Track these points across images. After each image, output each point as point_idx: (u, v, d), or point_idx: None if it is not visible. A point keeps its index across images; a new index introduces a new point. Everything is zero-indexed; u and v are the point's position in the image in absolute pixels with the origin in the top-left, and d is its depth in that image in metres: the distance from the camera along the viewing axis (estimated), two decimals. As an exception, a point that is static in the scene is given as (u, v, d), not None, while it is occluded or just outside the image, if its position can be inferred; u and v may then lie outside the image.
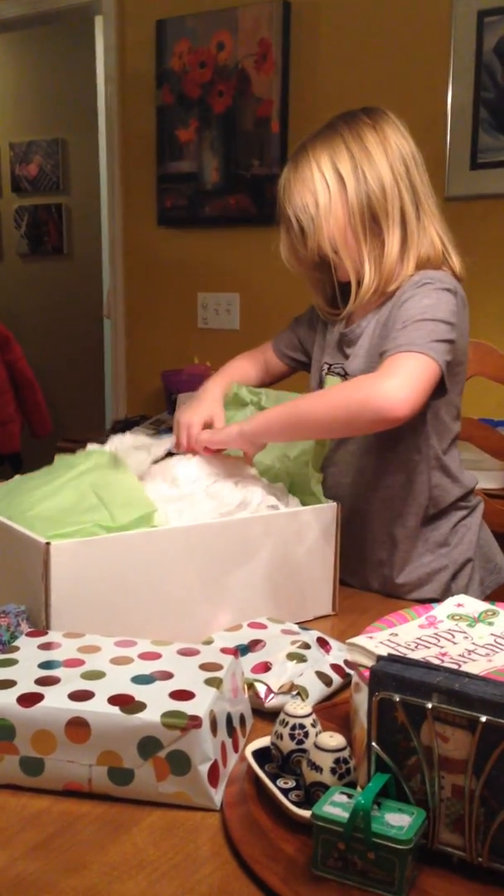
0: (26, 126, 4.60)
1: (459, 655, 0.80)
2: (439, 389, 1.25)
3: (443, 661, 0.78)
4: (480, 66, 2.45)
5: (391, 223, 1.29)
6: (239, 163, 2.87)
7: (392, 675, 0.68)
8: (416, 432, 1.32)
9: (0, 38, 4.28)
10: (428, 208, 1.32)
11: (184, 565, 1.09)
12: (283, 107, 2.77)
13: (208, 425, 1.33)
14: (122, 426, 2.98)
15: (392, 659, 0.71)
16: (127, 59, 3.13)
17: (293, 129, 2.79)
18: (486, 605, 0.91)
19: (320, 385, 1.44)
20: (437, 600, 1.32)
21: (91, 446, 1.32)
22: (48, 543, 0.97)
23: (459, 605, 0.91)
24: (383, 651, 0.79)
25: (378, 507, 1.38)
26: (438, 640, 0.83)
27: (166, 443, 1.30)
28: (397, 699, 0.68)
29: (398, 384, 1.15)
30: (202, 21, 2.87)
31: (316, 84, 2.74)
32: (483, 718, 0.64)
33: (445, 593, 1.36)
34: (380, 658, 0.72)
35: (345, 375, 1.37)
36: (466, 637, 0.84)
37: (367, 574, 1.40)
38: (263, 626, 1.09)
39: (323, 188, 1.28)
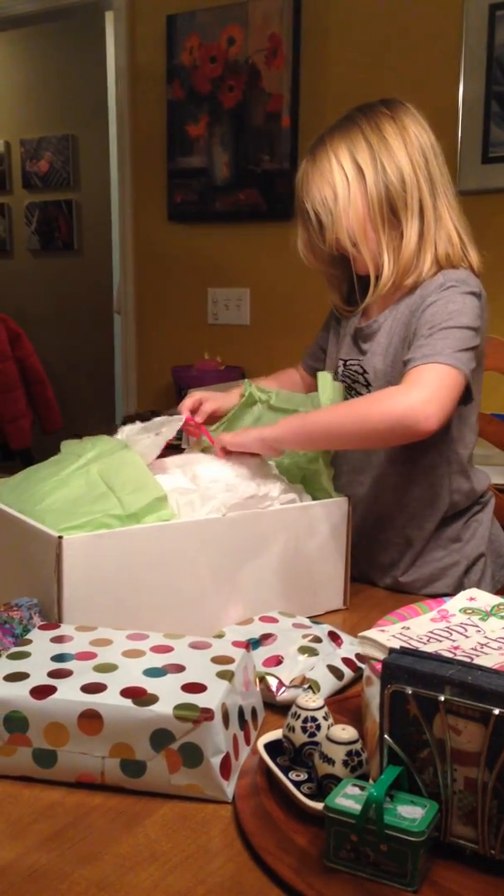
0: (37, 122, 4.60)
1: (472, 649, 0.79)
2: (465, 397, 1.24)
3: (455, 654, 0.78)
4: (492, 60, 2.44)
5: (410, 215, 1.27)
6: (249, 158, 2.86)
7: (404, 667, 0.68)
8: (443, 441, 1.31)
9: (10, 34, 4.29)
10: (446, 200, 1.30)
11: (196, 559, 1.10)
12: (293, 102, 2.76)
13: (216, 415, 1.33)
14: (133, 421, 2.99)
15: (404, 652, 0.71)
16: (137, 55, 3.13)
17: (304, 124, 2.78)
18: (498, 599, 0.91)
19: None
20: (449, 595, 1.33)
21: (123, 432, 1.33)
22: (60, 537, 0.98)
23: (471, 598, 0.91)
24: (395, 644, 0.79)
25: (397, 513, 1.36)
26: (451, 634, 0.83)
27: (176, 424, 1.29)
28: (410, 692, 0.68)
29: (426, 398, 1.14)
30: (212, 16, 2.86)
31: (326, 79, 2.73)
32: (496, 711, 0.64)
33: (458, 589, 1.35)
34: (392, 651, 0.72)
35: (363, 372, 1.36)
36: (479, 631, 0.84)
37: (376, 575, 1.40)
38: (275, 620, 1.09)
39: (342, 180, 1.27)
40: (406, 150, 1.27)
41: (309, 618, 1.14)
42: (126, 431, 1.30)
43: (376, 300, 1.35)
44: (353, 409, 1.21)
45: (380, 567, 1.39)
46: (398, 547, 1.37)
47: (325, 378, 1.30)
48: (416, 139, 1.28)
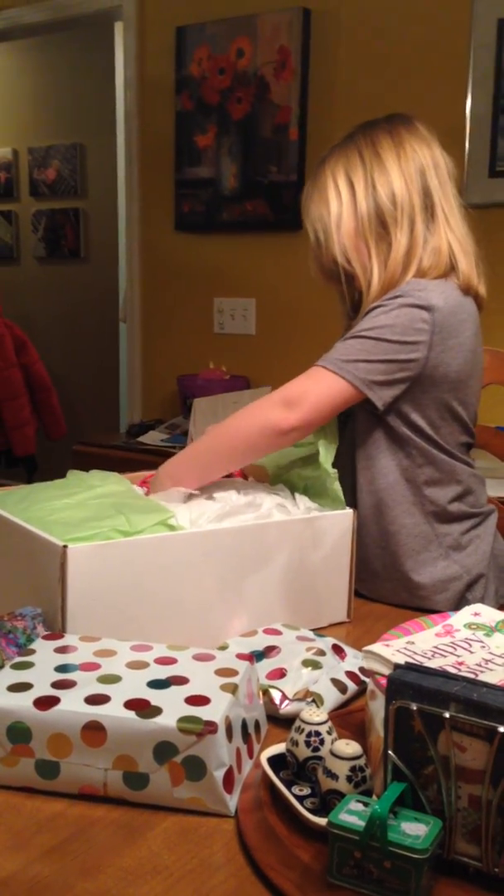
0: (45, 131, 4.62)
1: (476, 665, 0.79)
2: (370, 404, 1.27)
3: (460, 670, 0.77)
4: (500, 73, 2.45)
5: (398, 230, 1.30)
6: (257, 169, 2.87)
7: (410, 683, 0.68)
8: (401, 440, 1.33)
9: (21, 42, 4.31)
10: (441, 215, 1.32)
11: (200, 570, 1.09)
12: (301, 114, 2.77)
13: None
14: (138, 430, 2.99)
15: (410, 667, 0.71)
16: (146, 65, 3.14)
17: (311, 136, 2.79)
18: (503, 615, 0.90)
19: None
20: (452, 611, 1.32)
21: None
22: (65, 546, 0.98)
23: (476, 613, 0.91)
24: (400, 659, 0.79)
25: (372, 511, 1.37)
26: (455, 649, 0.83)
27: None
28: (415, 708, 0.67)
29: (286, 398, 1.22)
30: (222, 28, 2.88)
31: (335, 92, 2.74)
32: (501, 729, 0.64)
33: (459, 604, 1.35)
34: (397, 666, 0.72)
35: None
36: (483, 646, 0.84)
37: (377, 582, 1.39)
38: (278, 633, 1.09)
39: (335, 198, 1.32)
40: (400, 166, 1.30)
41: (312, 630, 1.14)
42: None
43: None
44: (228, 422, 1.27)
45: (375, 570, 1.38)
46: (385, 550, 1.36)
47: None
48: (413, 154, 1.30)
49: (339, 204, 1.31)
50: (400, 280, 1.31)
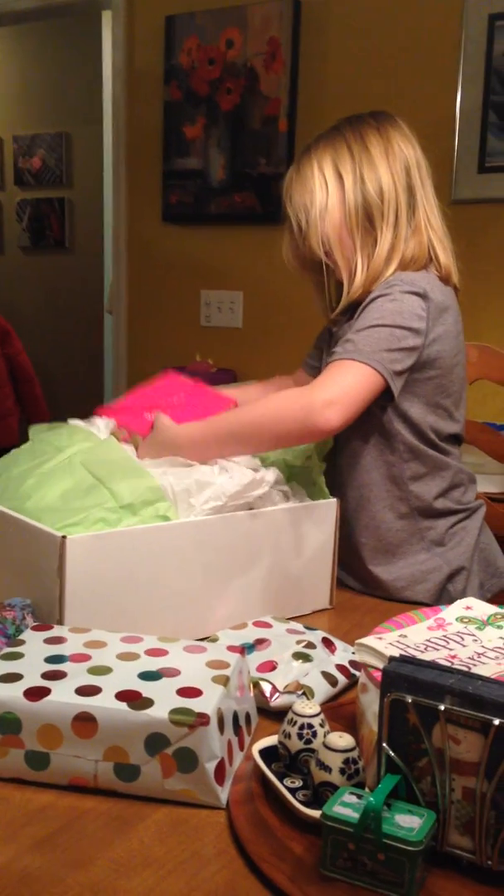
0: (30, 119, 4.59)
1: (469, 658, 0.79)
2: (386, 395, 1.26)
3: (452, 663, 0.77)
4: (490, 69, 2.45)
5: (385, 224, 1.31)
6: (246, 161, 2.86)
7: (405, 675, 0.68)
8: (384, 429, 1.34)
9: (7, 30, 4.27)
10: (423, 214, 1.34)
11: (193, 558, 1.10)
12: (291, 106, 2.76)
13: None
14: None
15: (404, 660, 0.71)
16: (135, 55, 3.12)
17: (301, 128, 2.78)
18: (494, 609, 0.91)
19: None
20: (428, 604, 1.33)
21: (73, 421, 1.33)
22: (64, 537, 0.97)
23: (468, 607, 0.91)
24: (393, 652, 0.78)
25: (354, 504, 1.38)
26: (448, 643, 0.83)
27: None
28: (409, 700, 0.67)
29: (329, 398, 1.18)
30: (212, 18, 2.86)
31: (325, 84, 2.74)
32: (496, 721, 0.64)
33: (440, 595, 1.36)
34: (392, 659, 0.72)
35: None
36: (476, 640, 0.84)
37: (356, 569, 1.40)
38: (269, 625, 1.08)
39: (321, 187, 1.32)
40: (388, 162, 1.31)
41: (294, 619, 1.15)
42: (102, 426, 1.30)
43: (350, 303, 1.38)
44: (259, 411, 1.24)
45: (357, 559, 1.39)
46: (370, 539, 1.37)
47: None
48: (399, 152, 1.32)
49: (325, 194, 1.32)
50: (383, 273, 1.32)
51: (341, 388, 1.20)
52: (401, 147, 1.32)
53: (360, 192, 1.30)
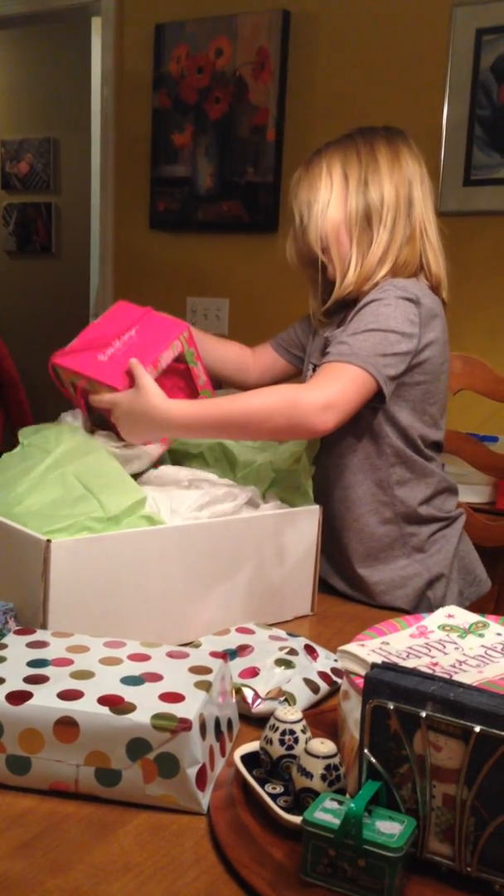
0: (18, 124, 4.58)
1: (451, 666, 0.80)
2: (377, 399, 1.28)
3: (434, 671, 0.78)
4: (477, 83, 2.47)
5: (381, 227, 1.35)
6: (233, 169, 2.87)
7: (387, 682, 0.68)
8: (372, 432, 1.35)
9: (-4, 34, 4.27)
10: (419, 224, 1.36)
11: (179, 564, 1.10)
12: (279, 116, 2.78)
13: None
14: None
15: (386, 667, 0.71)
16: (124, 62, 3.13)
17: (288, 138, 2.80)
18: (476, 617, 0.91)
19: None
20: (407, 610, 1.35)
21: (65, 415, 1.34)
22: (49, 541, 0.97)
23: (450, 615, 0.92)
24: (375, 659, 0.79)
25: (339, 504, 1.39)
26: (429, 651, 0.83)
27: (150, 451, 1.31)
28: (391, 707, 0.68)
29: (326, 400, 1.20)
30: (201, 27, 2.88)
31: (313, 94, 2.75)
32: (477, 728, 0.64)
33: (419, 601, 1.37)
34: (374, 665, 0.72)
35: None
36: (457, 648, 0.84)
37: (344, 568, 1.41)
38: (251, 632, 1.09)
39: (327, 187, 1.36)
40: (393, 172, 1.35)
41: (276, 625, 1.15)
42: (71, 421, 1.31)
43: (339, 299, 1.40)
44: (256, 404, 1.24)
45: (338, 560, 1.41)
46: (351, 540, 1.39)
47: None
48: (406, 165, 1.36)
49: (329, 192, 1.36)
50: (375, 274, 1.35)
51: (337, 392, 1.22)
52: (407, 161, 1.36)
53: (362, 195, 1.34)
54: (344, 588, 1.41)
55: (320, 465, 1.38)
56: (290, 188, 1.41)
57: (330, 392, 1.21)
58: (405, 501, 1.37)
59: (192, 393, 1.39)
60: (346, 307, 1.40)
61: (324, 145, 1.41)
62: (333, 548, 1.40)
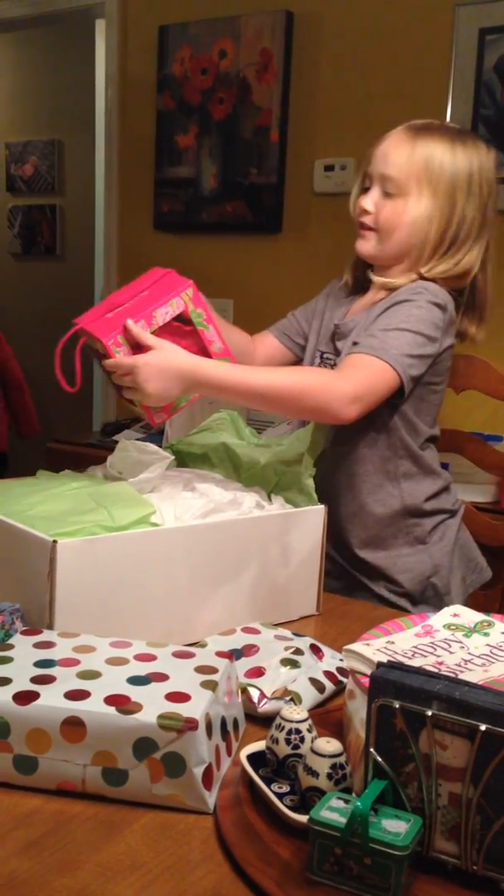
0: (23, 126, 4.59)
1: (456, 665, 0.80)
2: (396, 396, 1.31)
3: (440, 669, 0.78)
4: (480, 83, 2.47)
5: (454, 237, 1.35)
6: (237, 170, 2.88)
7: (392, 681, 0.68)
8: (384, 425, 1.38)
9: (0, 37, 4.28)
10: (475, 233, 1.37)
11: (183, 564, 1.10)
12: (282, 116, 2.78)
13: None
14: (112, 428, 2.98)
15: (392, 665, 0.72)
16: (128, 63, 3.13)
17: (292, 139, 2.80)
18: (481, 616, 0.91)
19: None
20: (413, 597, 1.36)
21: (91, 470, 1.33)
22: (55, 542, 0.97)
23: (455, 615, 0.92)
24: (381, 658, 0.79)
25: (343, 490, 1.41)
26: (435, 650, 0.84)
27: (165, 462, 1.28)
28: (397, 706, 0.68)
29: (354, 394, 1.23)
30: (205, 28, 2.88)
31: (316, 95, 2.75)
32: (483, 727, 0.64)
33: (424, 587, 1.39)
34: (380, 664, 0.72)
35: (334, 366, 1.44)
36: (462, 647, 0.84)
37: (342, 549, 1.43)
38: (257, 631, 1.09)
39: (466, 174, 1.34)
40: (493, 193, 1.38)
41: (281, 625, 1.16)
42: (116, 461, 1.29)
43: (358, 300, 1.44)
44: (289, 382, 1.25)
45: (336, 542, 1.43)
46: (358, 525, 1.42)
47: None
48: (487, 170, 1.37)
49: (466, 180, 1.34)
50: (418, 269, 1.36)
51: (366, 385, 1.25)
52: (488, 165, 1.37)
53: (471, 204, 1.34)
54: (343, 563, 1.44)
55: (327, 452, 1.40)
56: (419, 126, 1.38)
57: (359, 384, 1.24)
58: (412, 494, 1.41)
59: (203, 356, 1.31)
60: (360, 292, 1.45)
61: (433, 122, 1.41)
62: (336, 530, 1.42)
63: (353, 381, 1.25)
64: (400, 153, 1.34)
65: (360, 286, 1.49)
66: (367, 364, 1.27)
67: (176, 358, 1.22)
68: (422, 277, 1.36)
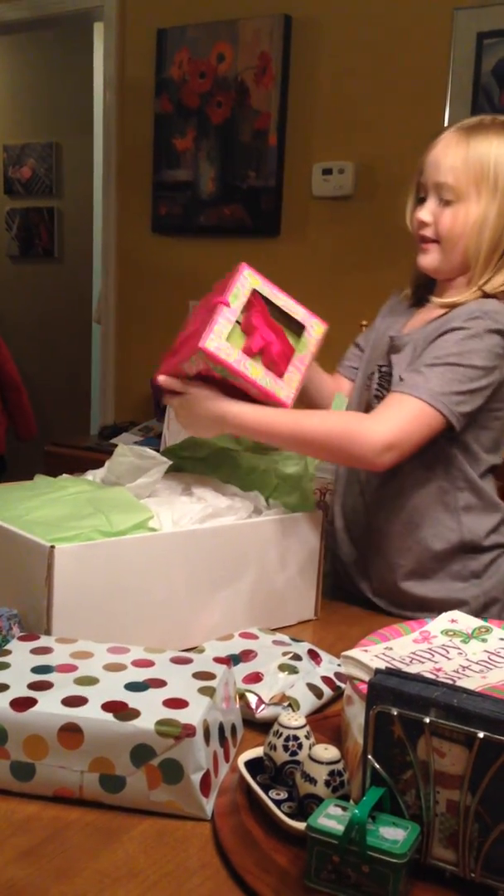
0: (21, 129, 4.59)
1: (454, 671, 0.80)
2: (448, 431, 1.24)
3: (437, 676, 0.78)
4: (478, 87, 2.48)
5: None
6: (235, 174, 2.88)
7: (390, 688, 0.68)
8: (441, 453, 1.29)
9: (-2, 40, 4.28)
10: None
11: (180, 569, 1.10)
12: (280, 120, 2.78)
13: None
14: (110, 431, 2.98)
15: (390, 672, 0.72)
16: (126, 67, 3.13)
17: (290, 142, 2.80)
18: (479, 622, 0.91)
19: (366, 381, 1.41)
20: None
21: (89, 474, 1.32)
22: (53, 547, 0.97)
23: (453, 620, 0.92)
24: (379, 664, 0.79)
25: (401, 527, 1.33)
26: (433, 656, 0.84)
27: (164, 466, 1.27)
28: (395, 713, 0.68)
29: (384, 438, 1.18)
30: (203, 32, 2.88)
31: (314, 98, 2.76)
32: (480, 734, 0.64)
33: None
34: (378, 671, 0.72)
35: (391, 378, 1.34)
36: (460, 653, 0.84)
37: (387, 586, 1.35)
38: (255, 637, 1.09)
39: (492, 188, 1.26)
40: None
41: (278, 630, 1.16)
42: (114, 466, 1.29)
43: (420, 310, 1.36)
44: (324, 427, 1.22)
45: (381, 579, 1.35)
46: (409, 561, 1.33)
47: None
48: None
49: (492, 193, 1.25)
50: (477, 283, 1.28)
51: (403, 431, 1.19)
52: None
53: None
54: (388, 607, 1.36)
55: (373, 481, 1.34)
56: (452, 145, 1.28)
57: (393, 429, 1.18)
58: (473, 529, 1.31)
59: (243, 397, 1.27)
60: (421, 303, 1.36)
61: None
62: (383, 567, 1.34)
63: (388, 427, 1.19)
64: (452, 157, 1.26)
65: (421, 300, 1.40)
66: (407, 406, 1.19)
67: (216, 405, 1.22)
68: (485, 294, 1.27)
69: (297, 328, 1.27)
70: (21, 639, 0.93)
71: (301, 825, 0.70)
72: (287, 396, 1.24)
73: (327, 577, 1.41)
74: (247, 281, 1.24)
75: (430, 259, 1.31)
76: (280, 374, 1.24)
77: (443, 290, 1.34)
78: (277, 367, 1.23)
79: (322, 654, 1.06)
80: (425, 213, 1.30)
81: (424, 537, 1.31)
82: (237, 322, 1.21)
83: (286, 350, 1.25)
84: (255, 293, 1.24)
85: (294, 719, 0.79)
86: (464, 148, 1.27)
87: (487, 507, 1.33)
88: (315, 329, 1.28)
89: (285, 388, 1.24)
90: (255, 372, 1.21)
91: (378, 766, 0.69)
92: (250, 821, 0.76)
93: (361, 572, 1.38)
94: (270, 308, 1.26)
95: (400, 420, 1.19)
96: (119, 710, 0.78)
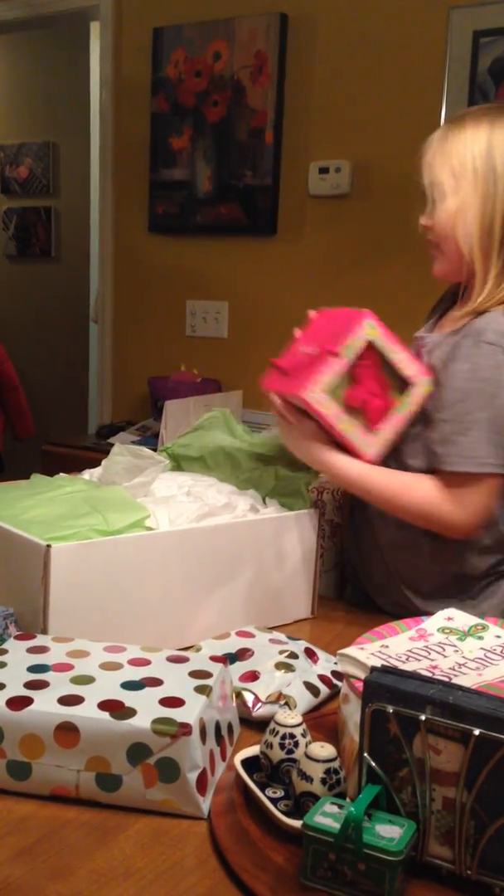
0: (17, 128, 4.59)
1: (450, 669, 0.80)
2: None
3: (433, 673, 0.78)
4: (474, 85, 2.47)
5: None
6: (232, 173, 2.87)
7: (386, 686, 0.68)
8: None
9: (-6, 39, 4.27)
10: None
11: (177, 568, 1.10)
12: (277, 119, 2.78)
13: None
14: (108, 431, 2.98)
15: (386, 670, 0.72)
16: (122, 66, 3.13)
17: (287, 141, 2.80)
18: (475, 620, 0.91)
19: None
20: None
21: (86, 473, 1.32)
22: (49, 546, 0.97)
23: (449, 618, 0.92)
24: (375, 662, 0.79)
25: (401, 551, 1.31)
26: (429, 653, 0.84)
27: (160, 467, 1.27)
28: (391, 710, 0.68)
29: (472, 523, 1.21)
30: (199, 30, 2.88)
31: (311, 97, 2.75)
32: (476, 731, 0.64)
33: None
34: (374, 669, 0.72)
35: None
36: (457, 651, 0.84)
37: (392, 593, 1.34)
38: (251, 635, 1.09)
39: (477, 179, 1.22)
40: None
41: (276, 629, 1.16)
42: (111, 465, 1.28)
43: (448, 311, 1.32)
44: (414, 498, 1.22)
45: (383, 585, 1.35)
46: (407, 578, 1.32)
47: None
48: None
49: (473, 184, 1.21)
50: (482, 289, 1.22)
51: (483, 508, 1.20)
52: None
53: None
54: (393, 610, 1.33)
55: (380, 516, 1.31)
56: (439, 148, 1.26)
57: (478, 512, 1.20)
58: (475, 566, 1.29)
59: None
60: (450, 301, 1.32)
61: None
62: (386, 575, 1.33)
63: (470, 510, 1.19)
64: (431, 155, 1.25)
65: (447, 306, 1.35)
66: (475, 485, 1.18)
67: (312, 445, 1.25)
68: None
69: (404, 384, 1.23)
70: (17, 638, 0.93)
71: (297, 823, 0.70)
72: (375, 454, 1.23)
73: (335, 568, 1.43)
74: (364, 332, 1.21)
75: (436, 265, 1.28)
76: (374, 429, 1.23)
77: (463, 304, 1.27)
78: (373, 423, 1.22)
79: (319, 652, 1.06)
80: (423, 217, 1.27)
81: (425, 563, 1.29)
82: (346, 372, 1.20)
83: (386, 405, 1.23)
84: (370, 345, 1.21)
85: (290, 717, 0.79)
86: (442, 143, 1.25)
87: (496, 546, 1.29)
88: (423, 387, 1.23)
89: (374, 445, 1.23)
90: (347, 428, 1.21)
91: (374, 764, 0.69)
92: (247, 819, 0.76)
93: (365, 574, 1.38)
94: (382, 362, 1.22)
95: (478, 500, 1.19)
96: (115, 708, 0.78)
